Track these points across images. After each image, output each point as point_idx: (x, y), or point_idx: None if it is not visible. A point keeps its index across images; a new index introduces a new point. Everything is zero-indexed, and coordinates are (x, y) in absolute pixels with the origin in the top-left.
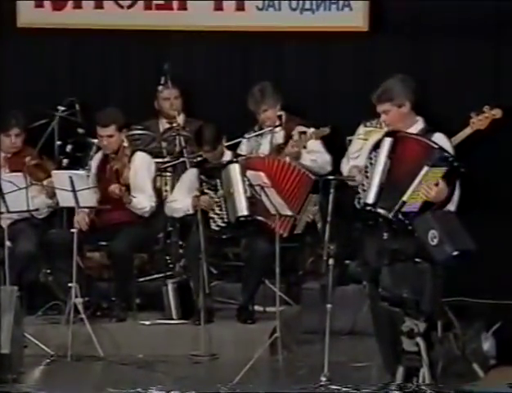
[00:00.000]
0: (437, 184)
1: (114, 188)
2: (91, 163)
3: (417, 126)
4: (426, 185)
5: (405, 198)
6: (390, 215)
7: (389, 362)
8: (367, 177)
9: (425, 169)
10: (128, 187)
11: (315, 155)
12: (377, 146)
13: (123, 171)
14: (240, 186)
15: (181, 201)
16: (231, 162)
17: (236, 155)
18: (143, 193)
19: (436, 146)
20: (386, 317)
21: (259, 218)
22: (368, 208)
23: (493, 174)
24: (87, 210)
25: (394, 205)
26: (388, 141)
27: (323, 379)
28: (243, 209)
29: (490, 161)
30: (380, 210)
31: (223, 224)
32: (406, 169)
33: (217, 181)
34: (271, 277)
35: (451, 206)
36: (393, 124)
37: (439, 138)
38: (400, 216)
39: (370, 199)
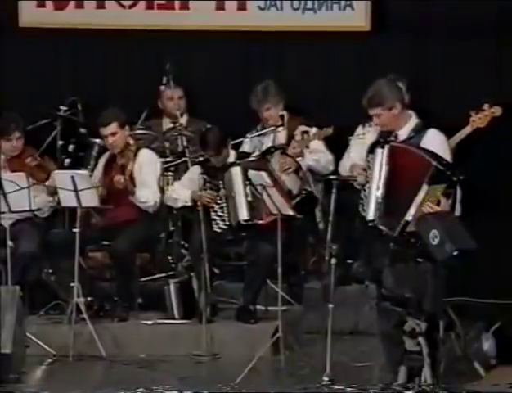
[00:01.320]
0: (438, 203)
1: (119, 178)
2: (93, 162)
3: (410, 124)
4: (428, 205)
5: (408, 218)
6: (394, 234)
7: (392, 362)
8: (368, 182)
9: (425, 187)
10: (132, 180)
11: (318, 155)
12: (374, 146)
13: (128, 165)
14: (242, 190)
15: (179, 191)
16: (232, 165)
17: (240, 155)
18: (148, 188)
19: (434, 162)
20: (389, 317)
21: (260, 222)
22: (369, 224)
23: (494, 173)
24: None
25: (397, 224)
26: (379, 152)
27: (325, 379)
28: (244, 213)
29: (490, 159)
30: (382, 227)
31: (225, 227)
32: (403, 182)
33: (220, 182)
34: (274, 277)
35: (457, 212)
36: (386, 126)
37: (433, 135)
38: (405, 235)
39: (370, 215)
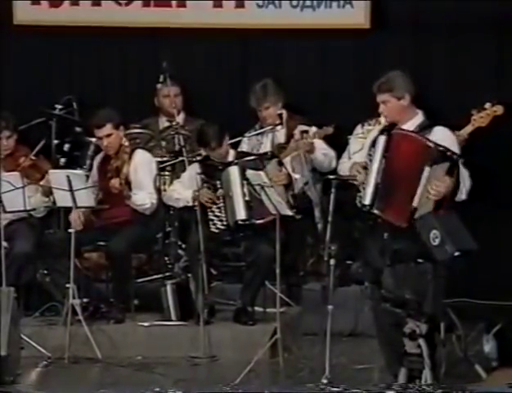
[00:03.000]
0: (443, 181)
1: (114, 183)
2: (88, 162)
3: (416, 120)
4: (434, 184)
5: (415, 204)
6: (404, 224)
7: (391, 364)
8: (367, 174)
9: (427, 169)
10: (128, 184)
11: (325, 150)
12: (375, 142)
13: (123, 167)
14: (239, 189)
15: (181, 191)
16: (230, 164)
17: (239, 154)
18: (143, 190)
19: (431, 144)
20: (388, 318)
21: (258, 222)
22: (365, 209)
23: (495, 172)
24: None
25: (405, 213)
26: (382, 139)
27: (324, 381)
28: (241, 213)
29: (492, 159)
30: (377, 212)
31: (222, 227)
32: (403, 168)
33: (218, 182)
34: (272, 278)
35: (462, 195)
36: (391, 115)
37: (440, 131)
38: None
39: (367, 200)
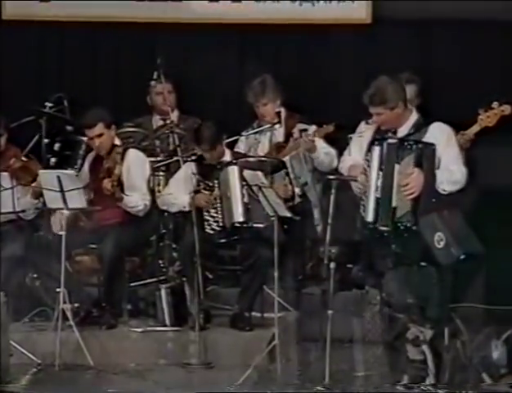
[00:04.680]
0: (411, 173)
1: (106, 184)
2: (80, 161)
3: (410, 120)
4: (404, 181)
5: (394, 204)
6: (389, 228)
7: (395, 370)
8: (367, 180)
9: (396, 167)
10: (120, 185)
11: (326, 149)
12: (371, 148)
13: (115, 168)
14: (238, 190)
15: (177, 195)
16: (229, 164)
17: (235, 154)
18: (136, 191)
19: (394, 141)
20: (393, 323)
21: (256, 225)
22: (369, 225)
23: (502, 175)
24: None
25: (388, 217)
26: (377, 150)
27: (319, 388)
28: (239, 215)
29: (498, 161)
30: (382, 228)
31: (218, 228)
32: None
33: (215, 182)
34: (270, 282)
35: (455, 186)
36: (387, 125)
37: (436, 128)
38: (399, 225)
39: (369, 217)
